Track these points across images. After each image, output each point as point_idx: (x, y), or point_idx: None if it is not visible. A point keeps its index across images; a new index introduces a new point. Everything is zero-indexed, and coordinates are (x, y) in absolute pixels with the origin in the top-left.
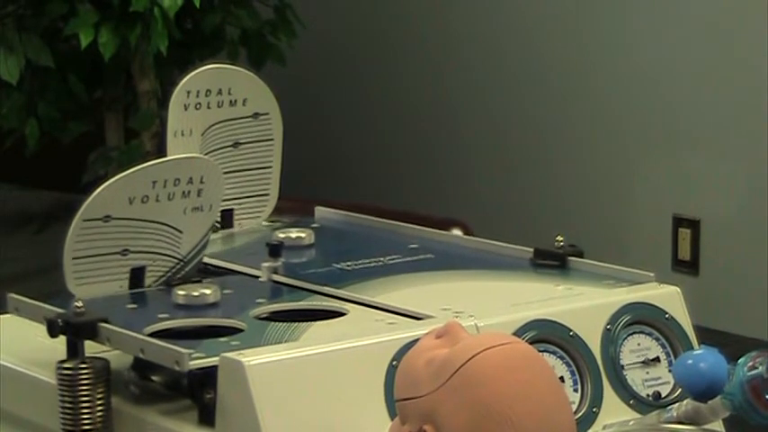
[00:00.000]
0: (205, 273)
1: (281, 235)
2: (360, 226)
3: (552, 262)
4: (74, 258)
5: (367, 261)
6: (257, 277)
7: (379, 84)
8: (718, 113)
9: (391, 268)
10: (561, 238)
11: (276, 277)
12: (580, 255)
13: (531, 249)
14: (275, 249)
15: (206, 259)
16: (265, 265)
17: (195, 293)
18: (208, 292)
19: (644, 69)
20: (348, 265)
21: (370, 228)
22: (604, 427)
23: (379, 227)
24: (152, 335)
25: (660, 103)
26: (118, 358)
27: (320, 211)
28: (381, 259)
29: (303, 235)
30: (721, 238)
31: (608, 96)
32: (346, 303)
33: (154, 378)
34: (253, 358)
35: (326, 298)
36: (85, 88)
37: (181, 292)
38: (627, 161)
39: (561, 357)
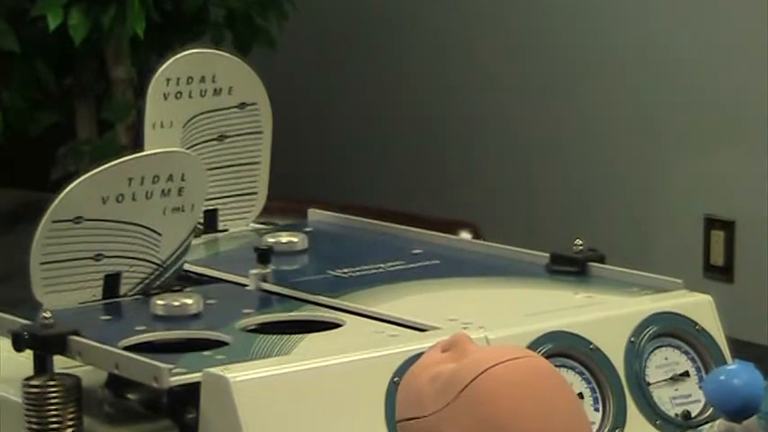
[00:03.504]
0: (187, 281)
1: (271, 239)
2: (358, 229)
3: (570, 268)
4: (41, 264)
5: (366, 268)
6: (244, 286)
7: (380, 71)
8: (754, 106)
9: (392, 276)
10: (580, 242)
11: (265, 286)
12: (601, 260)
13: (548, 254)
14: (264, 255)
15: (188, 266)
16: (253, 272)
17: (176, 303)
18: (189, 301)
19: (672, 60)
20: (345, 273)
21: (369, 231)
22: None
23: (379, 230)
24: (128, 348)
25: (690, 95)
26: (90, 375)
27: (314, 214)
28: (382, 266)
29: (295, 239)
30: (758, 241)
31: (632, 89)
32: (342, 314)
33: (130, 396)
34: (239, 374)
35: (321, 308)
36: (54, 75)
37: (160, 302)
38: (653, 157)
39: (580, 373)
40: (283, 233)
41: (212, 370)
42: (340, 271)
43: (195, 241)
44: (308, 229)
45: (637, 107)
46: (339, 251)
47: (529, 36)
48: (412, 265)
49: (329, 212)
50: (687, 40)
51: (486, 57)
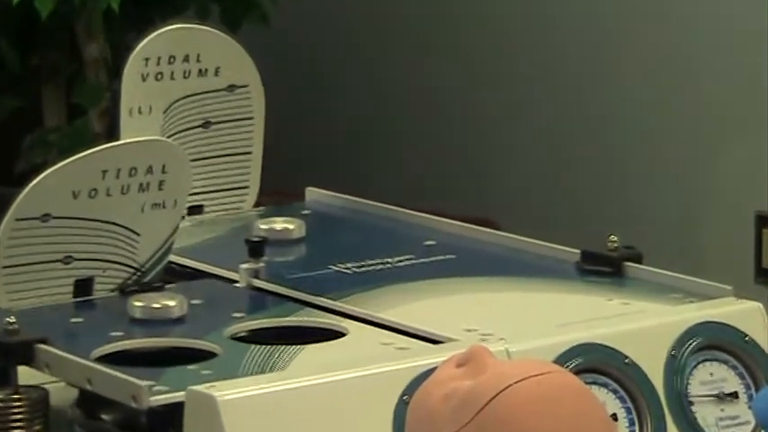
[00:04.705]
0: (169, 274)
1: (264, 227)
2: (362, 213)
3: (604, 268)
4: (4, 267)
5: (371, 262)
6: (234, 282)
7: (388, 49)
8: None
9: (401, 273)
10: (615, 239)
11: (257, 282)
12: (639, 259)
13: (578, 251)
14: (256, 248)
15: (171, 256)
16: (244, 266)
17: (156, 305)
18: (172, 303)
19: (719, 42)
20: (348, 268)
21: (374, 216)
22: None
23: (386, 215)
24: (101, 359)
25: (739, 81)
26: (59, 391)
27: (312, 193)
28: (389, 260)
29: (291, 227)
30: None
31: (675, 73)
32: (345, 320)
33: (103, 416)
34: (228, 392)
35: (321, 312)
36: (18, 54)
37: (138, 304)
38: (698, 148)
39: (614, 391)
40: (278, 218)
41: (197, 388)
42: (342, 266)
43: (181, 224)
44: (305, 212)
45: (680, 96)
46: (341, 241)
47: (559, 28)
48: (424, 260)
49: (329, 192)
50: (736, 30)
51: (517, 44)
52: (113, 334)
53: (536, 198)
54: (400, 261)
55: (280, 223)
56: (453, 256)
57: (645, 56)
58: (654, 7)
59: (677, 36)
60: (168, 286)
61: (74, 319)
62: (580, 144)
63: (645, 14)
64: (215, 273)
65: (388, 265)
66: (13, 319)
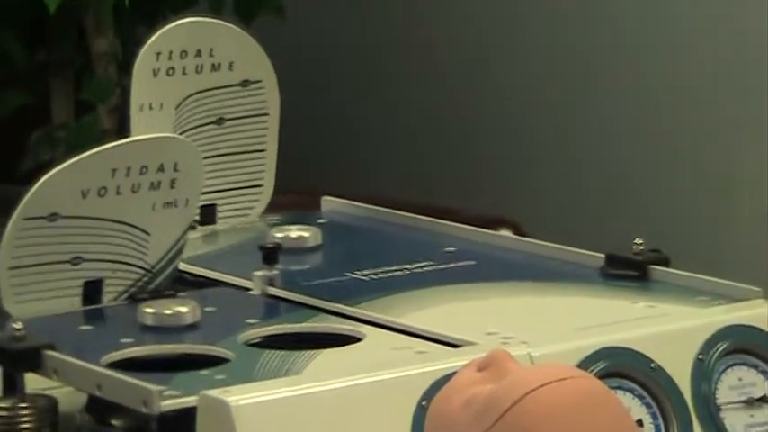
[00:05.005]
0: (180, 283)
1: (279, 234)
2: (379, 222)
3: (629, 272)
4: (11, 269)
5: (389, 269)
6: (248, 290)
7: (407, 43)
8: None
9: (420, 279)
10: (641, 242)
11: (272, 290)
12: (665, 262)
13: (602, 255)
14: (271, 254)
15: (182, 265)
16: (258, 274)
17: (168, 312)
18: (184, 309)
19: (738, 42)
20: (365, 275)
21: (392, 225)
22: None
23: (404, 223)
24: (112, 365)
25: (759, 80)
26: (68, 396)
27: (328, 203)
28: (407, 267)
29: (306, 234)
30: None
31: (696, 74)
32: (362, 325)
33: (114, 422)
34: (241, 397)
35: (337, 318)
36: (25, 49)
37: (149, 310)
38: (724, 144)
39: (640, 396)
40: (293, 226)
41: (210, 392)
42: (359, 273)
43: (191, 235)
44: (321, 221)
45: (703, 94)
46: (358, 249)
47: (578, 28)
48: (443, 267)
49: (346, 201)
50: (750, 30)
51: (538, 44)
52: (123, 341)
53: (558, 198)
54: (419, 268)
55: (295, 231)
56: (473, 263)
57: (664, 57)
58: (679, 8)
59: (695, 37)
60: (180, 295)
61: (82, 327)
62: (603, 144)
63: (665, 16)
64: (228, 281)
65: (407, 272)
66: (19, 326)
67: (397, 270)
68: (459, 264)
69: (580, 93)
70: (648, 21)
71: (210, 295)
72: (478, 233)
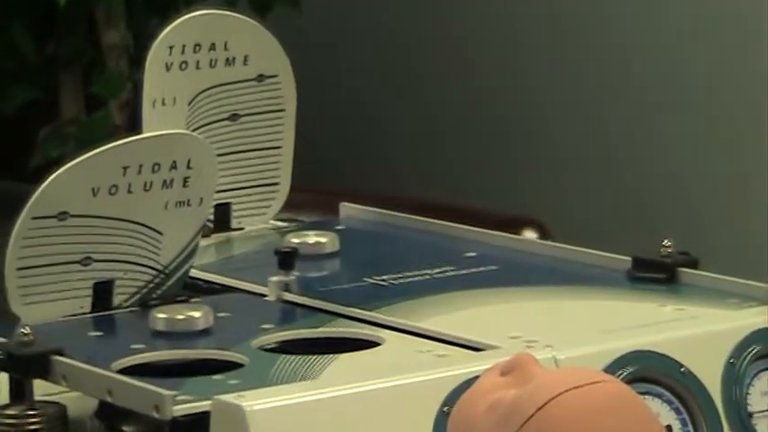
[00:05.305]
0: (193, 289)
1: (295, 240)
2: (399, 227)
3: (657, 274)
4: (19, 269)
5: (409, 275)
6: (263, 296)
7: (428, 36)
8: None
9: (441, 284)
10: (669, 243)
11: (288, 296)
12: (694, 265)
13: (629, 258)
14: (287, 259)
15: (195, 272)
16: (274, 279)
17: (180, 317)
18: (197, 314)
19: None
20: (383, 280)
21: (412, 230)
22: None
23: (424, 228)
24: (123, 371)
25: None
26: (77, 402)
27: (346, 209)
28: (428, 272)
29: (324, 240)
30: None
31: (729, 73)
32: (381, 330)
33: (125, 428)
34: (256, 402)
35: (354, 323)
36: (34, 42)
37: (161, 315)
38: (755, 144)
39: (668, 401)
40: (310, 232)
41: (224, 397)
42: (378, 278)
43: (204, 242)
44: (339, 227)
45: (735, 91)
46: (377, 254)
47: (611, 32)
48: (464, 272)
49: (365, 207)
50: None
51: (567, 41)
52: (134, 346)
53: (585, 199)
54: (439, 273)
55: (312, 237)
56: (495, 267)
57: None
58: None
59: (736, 36)
60: (193, 300)
61: (92, 332)
62: (631, 144)
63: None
64: (242, 287)
65: (427, 277)
66: (27, 331)
67: (417, 275)
68: (481, 268)
69: (608, 93)
70: (672, 20)
71: (224, 301)
72: (500, 237)
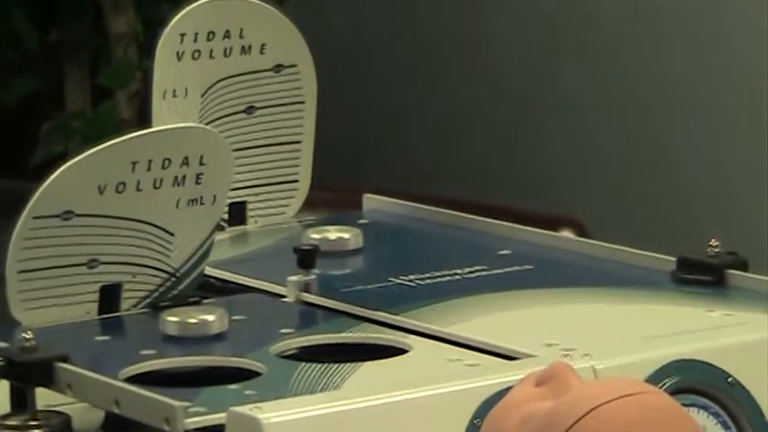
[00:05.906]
0: (207, 289)
1: (316, 236)
2: (427, 222)
3: (704, 277)
4: (20, 272)
5: (437, 274)
6: (281, 296)
7: (456, 23)
8: None
9: (472, 285)
10: (716, 243)
11: (308, 297)
12: (743, 266)
13: (674, 259)
14: (307, 258)
15: (209, 269)
16: (293, 279)
17: (193, 321)
18: (210, 318)
19: None
20: (410, 281)
21: (441, 225)
22: None
23: (454, 223)
24: (131, 379)
25: None
26: (83, 413)
27: (371, 201)
28: (458, 272)
29: (346, 236)
30: None
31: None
32: (408, 335)
33: None
34: (274, 414)
35: (380, 327)
36: (36, 30)
37: (172, 319)
38: None
39: (715, 414)
40: (331, 227)
41: (239, 409)
42: (404, 278)
43: (219, 236)
44: (362, 222)
45: None
46: (403, 252)
47: (651, 29)
48: (497, 272)
49: (390, 200)
50: None
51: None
52: (144, 352)
53: (626, 197)
54: (470, 273)
55: (333, 233)
56: (531, 267)
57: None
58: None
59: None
60: (206, 301)
61: (99, 337)
62: (674, 141)
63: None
64: (259, 287)
65: (457, 277)
66: (29, 335)
67: (446, 275)
68: (515, 268)
69: (652, 89)
70: (718, 17)
71: (239, 302)
72: (536, 234)
